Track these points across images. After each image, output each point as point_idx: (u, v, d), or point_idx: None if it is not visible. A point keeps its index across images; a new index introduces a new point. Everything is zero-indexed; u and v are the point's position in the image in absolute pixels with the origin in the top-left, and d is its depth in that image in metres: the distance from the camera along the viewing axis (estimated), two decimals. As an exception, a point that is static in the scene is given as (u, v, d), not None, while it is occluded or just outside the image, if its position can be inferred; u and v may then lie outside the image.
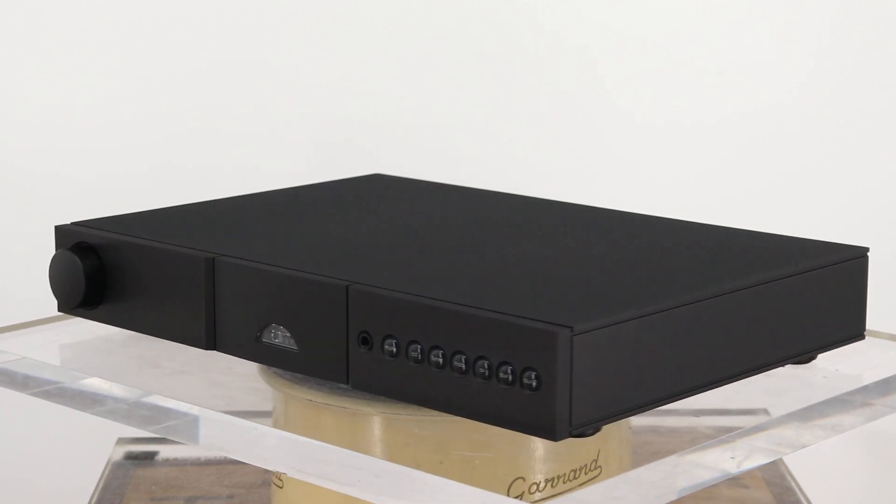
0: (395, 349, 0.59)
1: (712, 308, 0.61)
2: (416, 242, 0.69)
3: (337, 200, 0.78)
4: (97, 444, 1.05)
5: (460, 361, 0.57)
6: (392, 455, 0.65)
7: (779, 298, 0.64)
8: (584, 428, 0.57)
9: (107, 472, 0.94)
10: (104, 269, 0.70)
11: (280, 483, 0.71)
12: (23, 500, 1.19)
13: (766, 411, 0.69)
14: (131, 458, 0.96)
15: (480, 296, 0.59)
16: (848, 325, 0.69)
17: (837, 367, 0.70)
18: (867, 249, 0.69)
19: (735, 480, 0.91)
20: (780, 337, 0.65)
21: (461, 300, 0.58)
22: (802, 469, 0.94)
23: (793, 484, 0.91)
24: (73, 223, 0.72)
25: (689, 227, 0.73)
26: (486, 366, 0.57)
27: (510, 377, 0.56)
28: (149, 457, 0.96)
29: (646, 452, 0.77)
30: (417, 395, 0.59)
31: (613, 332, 0.57)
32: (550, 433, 0.56)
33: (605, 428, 0.66)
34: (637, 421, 0.70)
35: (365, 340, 0.60)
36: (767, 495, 0.89)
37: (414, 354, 0.59)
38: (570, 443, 0.65)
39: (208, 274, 0.66)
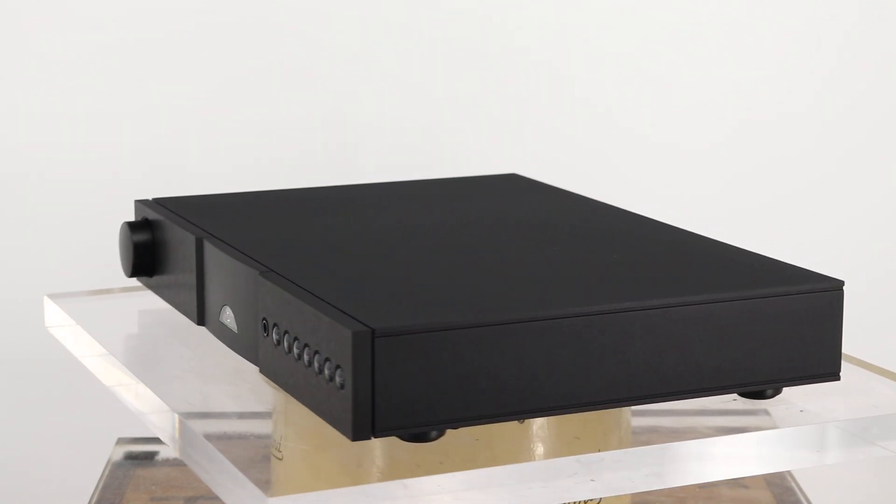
0: (277, 338, 0.60)
1: (590, 325, 0.58)
2: (399, 241, 0.69)
3: (426, 195, 0.79)
4: (97, 444, 1.05)
5: (308, 354, 0.58)
6: (392, 455, 0.65)
7: (712, 323, 0.60)
8: (406, 430, 0.56)
9: (107, 472, 0.94)
10: (153, 244, 0.74)
11: (279, 455, 0.71)
12: (23, 500, 1.19)
13: (766, 411, 0.69)
14: (131, 458, 0.96)
15: (337, 292, 0.59)
16: (817, 364, 0.62)
17: (803, 406, 0.65)
18: (842, 283, 0.61)
19: (735, 480, 0.91)
20: (719, 364, 0.61)
21: (319, 293, 0.59)
22: (802, 469, 0.94)
23: (793, 484, 0.91)
24: (153, 199, 0.77)
25: (664, 230, 0.71)
26: (321, 361, 0.57)
27: (332, 374, 0.56)
28: (149, 457, 0.96)
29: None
30: (290, 385, 0.60)
31: (431, 338, 0.55)
32: (349, 433, 0.55)
33: (605, 428, 0.66)
34: (637, 421, 0.70)
35: (265, 328, 0.62)
36: (767, 495, 0.89)
37: (286, 345, 0.60)
38: (571, 442, 0.65)
39: (199, 252, 0.69)
